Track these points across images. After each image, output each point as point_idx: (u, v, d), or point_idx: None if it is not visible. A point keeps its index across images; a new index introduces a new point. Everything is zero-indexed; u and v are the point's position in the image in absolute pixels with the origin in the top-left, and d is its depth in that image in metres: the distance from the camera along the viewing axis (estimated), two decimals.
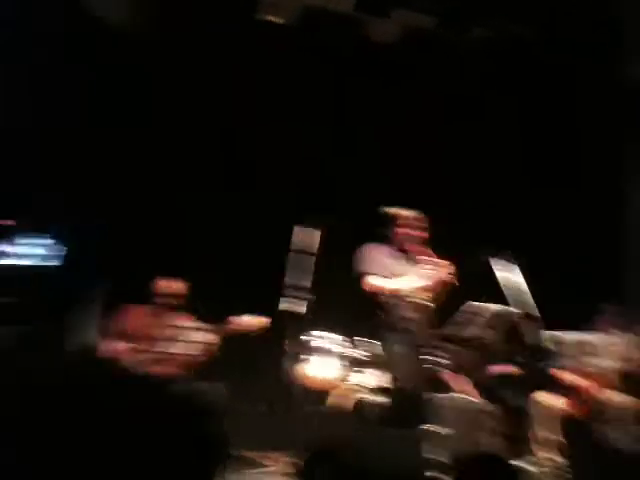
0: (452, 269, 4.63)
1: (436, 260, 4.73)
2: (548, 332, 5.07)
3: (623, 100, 7.02)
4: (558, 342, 5.05)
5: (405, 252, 4.90)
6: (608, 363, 4.98)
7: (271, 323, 5.51)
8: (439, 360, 5.39)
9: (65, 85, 5.91)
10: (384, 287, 4.71)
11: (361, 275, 4.74)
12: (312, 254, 5.34)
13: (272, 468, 5.14)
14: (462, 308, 5.11)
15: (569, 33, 6.91)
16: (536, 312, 5.35)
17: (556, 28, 6.86)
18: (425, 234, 4.89)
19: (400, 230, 4.85)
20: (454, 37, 7.03)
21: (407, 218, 4.85)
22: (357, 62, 6.88)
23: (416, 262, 4.89)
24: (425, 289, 4.80)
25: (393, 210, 4.90)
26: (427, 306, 4.82)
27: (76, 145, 5.86)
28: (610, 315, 5.55)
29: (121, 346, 5.29)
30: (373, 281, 4.70)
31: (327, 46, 6.73)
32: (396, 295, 4.73)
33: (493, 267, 5.45)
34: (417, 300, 4.81)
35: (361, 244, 4.98)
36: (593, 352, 4.94)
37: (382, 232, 4.94)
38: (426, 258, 4.76)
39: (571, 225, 6.93)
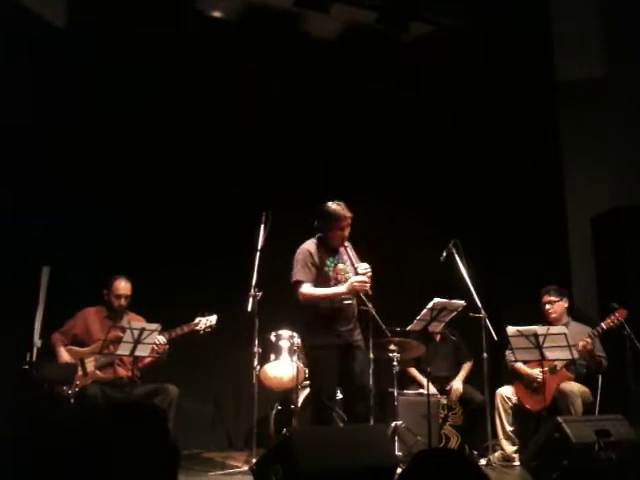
0: (370, 273, 4.63)
1: (359, 265, 4.69)
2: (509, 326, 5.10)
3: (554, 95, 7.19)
4: (513, 335, 5.08)
5: (335, 250, 4.85)
6: (562, 354, 5.03)
7: (227, 322, 5.43)
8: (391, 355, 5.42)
9: (69, 82, 5.85)
10: (313, 296, 4.66)
11: (294, 284, 4.70)
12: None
13: (236, 469, 5.07)
14: (429, 305, 5.11)
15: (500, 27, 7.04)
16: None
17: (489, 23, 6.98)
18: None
19: (338, 232, 4.79)
20: (393, 31, 7.06)
21: (346, 218, 4.77)
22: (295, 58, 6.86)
23: (345, 261, 4.85)
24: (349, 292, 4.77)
25: (334, 209, 4.80)
26: (349, 305, 4.78)
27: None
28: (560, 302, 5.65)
29: (67, 349, 5.20)
30: (304, 291, 4.66)
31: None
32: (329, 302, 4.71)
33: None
34: (349, 299, 4.76)
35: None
36: (547, 344, 4.98)
37: (317, 227, 4.88)
38: (355, 263, 4.72)
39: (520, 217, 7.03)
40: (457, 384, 6.02)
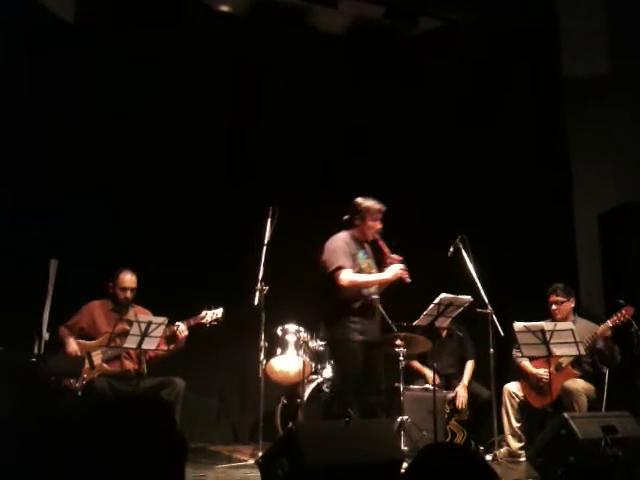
0: (404, 266, 4.67)
1: (394, 256, 4.74)
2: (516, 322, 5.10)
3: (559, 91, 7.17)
4: (520, 331, 5.08)
5: (363, 242, 4.89)
6: (569, 350, 5.02)
7: (233, 316, 5.44)
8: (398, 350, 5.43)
9: (72, 78, 5.86)
10: (358, 281, 4.71)
11: (335, 270, 4.71)
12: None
13: (242, 463, 5.09)
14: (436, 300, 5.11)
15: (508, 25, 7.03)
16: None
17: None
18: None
19: (371, 223, 4.84)
20: (401, 27, 7.06)
21: (380, 211, 4.84)
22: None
23: (374, 254, 4.91)
24: (383, 283, 4.87)
25: (370, 202, 4.86)
26: (378, 299, 4.90)
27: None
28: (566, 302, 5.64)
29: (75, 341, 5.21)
30: (348, 276, 4.68)
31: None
32: (364, 290, 4.75)
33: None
34: (375, 294, 4.86)
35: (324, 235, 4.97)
36: (554, 340, 4.97)
37: (348, 220, 4.91)
38: (389, 254, 4.76)
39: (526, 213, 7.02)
40: (462, 391, 5.95)
